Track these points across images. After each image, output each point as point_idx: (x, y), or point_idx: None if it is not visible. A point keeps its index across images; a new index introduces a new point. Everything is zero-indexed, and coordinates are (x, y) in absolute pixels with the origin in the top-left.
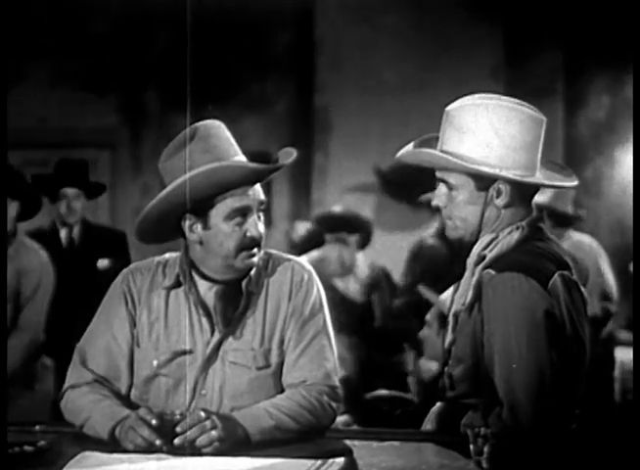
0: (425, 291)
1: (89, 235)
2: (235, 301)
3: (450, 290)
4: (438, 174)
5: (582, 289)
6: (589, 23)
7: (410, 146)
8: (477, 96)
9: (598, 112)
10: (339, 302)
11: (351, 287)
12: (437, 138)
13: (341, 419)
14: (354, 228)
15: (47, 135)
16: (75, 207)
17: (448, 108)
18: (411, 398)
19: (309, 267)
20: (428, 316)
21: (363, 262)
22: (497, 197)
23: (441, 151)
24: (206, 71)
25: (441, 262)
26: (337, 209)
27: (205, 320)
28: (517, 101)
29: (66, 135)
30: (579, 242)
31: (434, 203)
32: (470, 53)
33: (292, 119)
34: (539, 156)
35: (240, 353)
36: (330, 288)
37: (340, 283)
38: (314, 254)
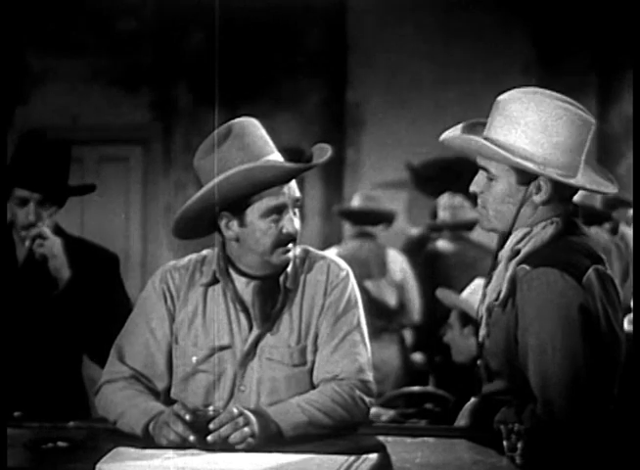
0: (444, 294)
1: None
2: (272, 297)
3: (471, 287)
4: (480, 162)
5: (617, 283)
6: (620, 18)
7: (457, 130)
8: (530, 89)
9: (631, 107)
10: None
11: (384, 288)
12: (483, 124)
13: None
14: (376, 220)
15: (80, 132)
16: (40, 213)
17: (500, 97)
18: (443, 394)
19: (345, 266)
20: (450, 319)
21: (394, 261)
22: (537, 193)
23: (486, 138)
24: (239, 68)
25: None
26: (355, 203)
27: (242, 316)
28: (569, 100)
29: (98, 132)
30: None
31: (472, 189)
32: (501, 49)
33: (324, 116)
34: (583, 157)
35: (276, 350)
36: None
37: (371, 286)
38: (347, 246)
